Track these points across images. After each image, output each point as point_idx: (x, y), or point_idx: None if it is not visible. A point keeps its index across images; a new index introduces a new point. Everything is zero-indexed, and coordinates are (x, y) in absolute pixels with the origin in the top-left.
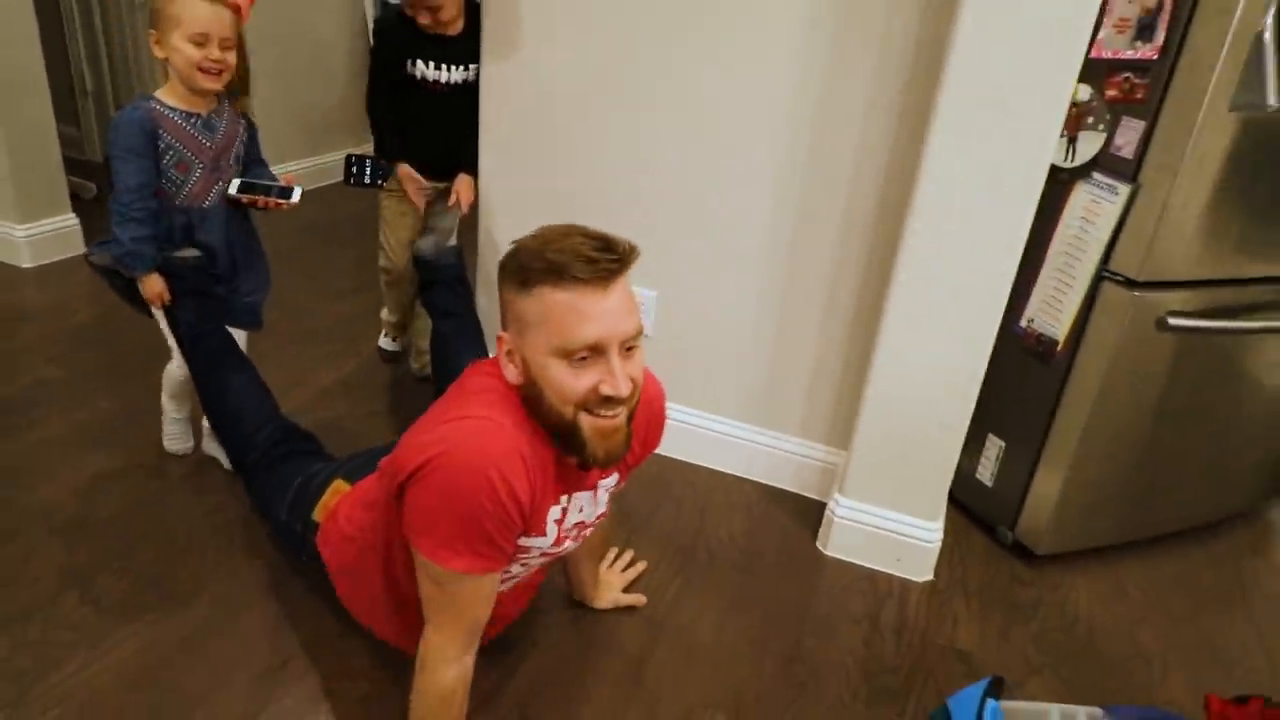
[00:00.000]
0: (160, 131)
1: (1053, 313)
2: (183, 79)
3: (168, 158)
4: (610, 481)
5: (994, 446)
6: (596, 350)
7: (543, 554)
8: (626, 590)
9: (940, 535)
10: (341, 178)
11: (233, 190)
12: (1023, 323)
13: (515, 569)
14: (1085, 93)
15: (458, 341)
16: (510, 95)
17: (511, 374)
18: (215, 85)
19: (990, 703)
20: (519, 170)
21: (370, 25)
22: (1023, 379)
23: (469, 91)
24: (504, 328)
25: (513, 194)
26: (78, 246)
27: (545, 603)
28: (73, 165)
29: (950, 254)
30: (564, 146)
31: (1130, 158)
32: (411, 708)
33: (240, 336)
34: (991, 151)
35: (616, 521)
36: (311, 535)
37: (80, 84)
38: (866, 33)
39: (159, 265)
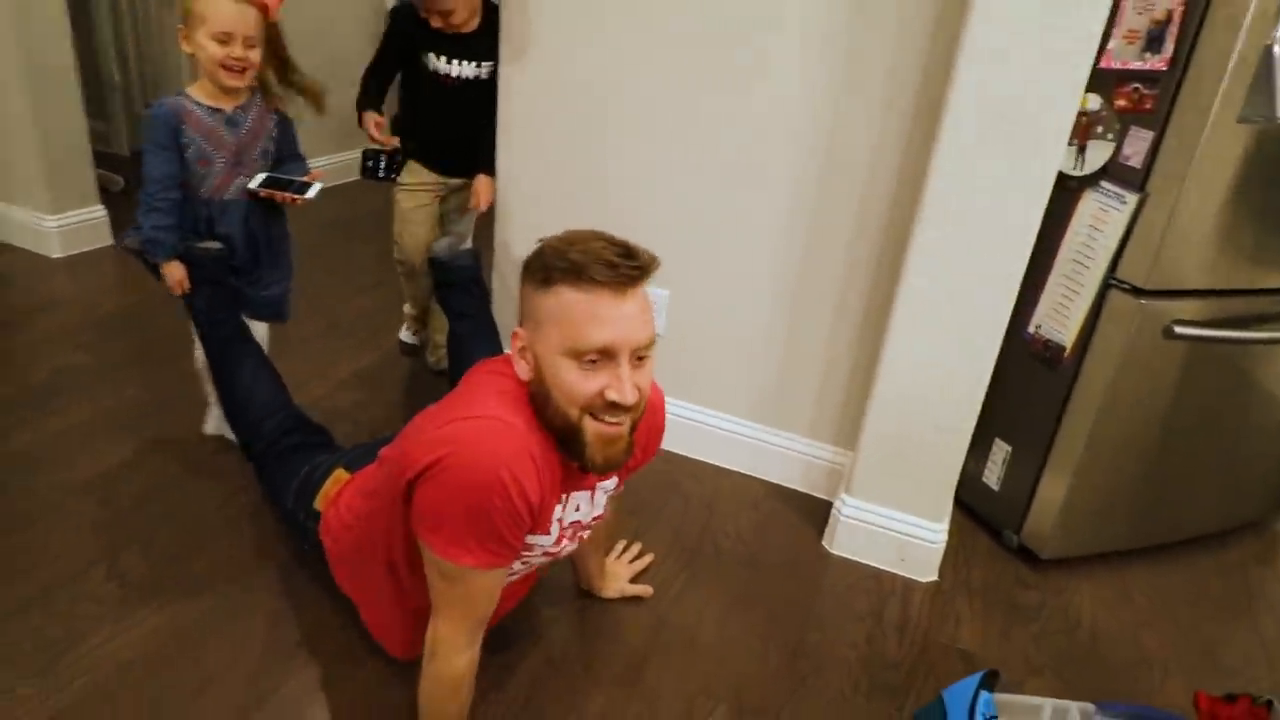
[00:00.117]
0: (184, 126)
1: (1060, 319)
2: (208, 75)
3: (190, 151)
4: (609, 484)
5: (1000, 451)
6: (607, 354)
7: (544, 553)
8: (633, 582)
9: (945, 536)
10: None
11: (253, 185)
12: (1030, 328)
13: (516, 566)
14: (1095, 102)
15: (473, 342)
16: (528, 99)
17: (522, 370)
18: (238, 83)
19: (983, 694)
20: (536, 173)
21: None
22: (1030, 384)
23: (482, 88)
24: (520, 323)
25: (530, 196)
26: (105, 238)
27: (553, 593)
28: (101, 158)
29: (958, 259)
30: (580, 149)
31: (1138, 167)
32: (421, 694)
33: (263, 329)
34: (999, 158)
35: (625, 515)
36: (313, 525)
37: (108, 79)
38: (881, 37)
39: (180, 254)
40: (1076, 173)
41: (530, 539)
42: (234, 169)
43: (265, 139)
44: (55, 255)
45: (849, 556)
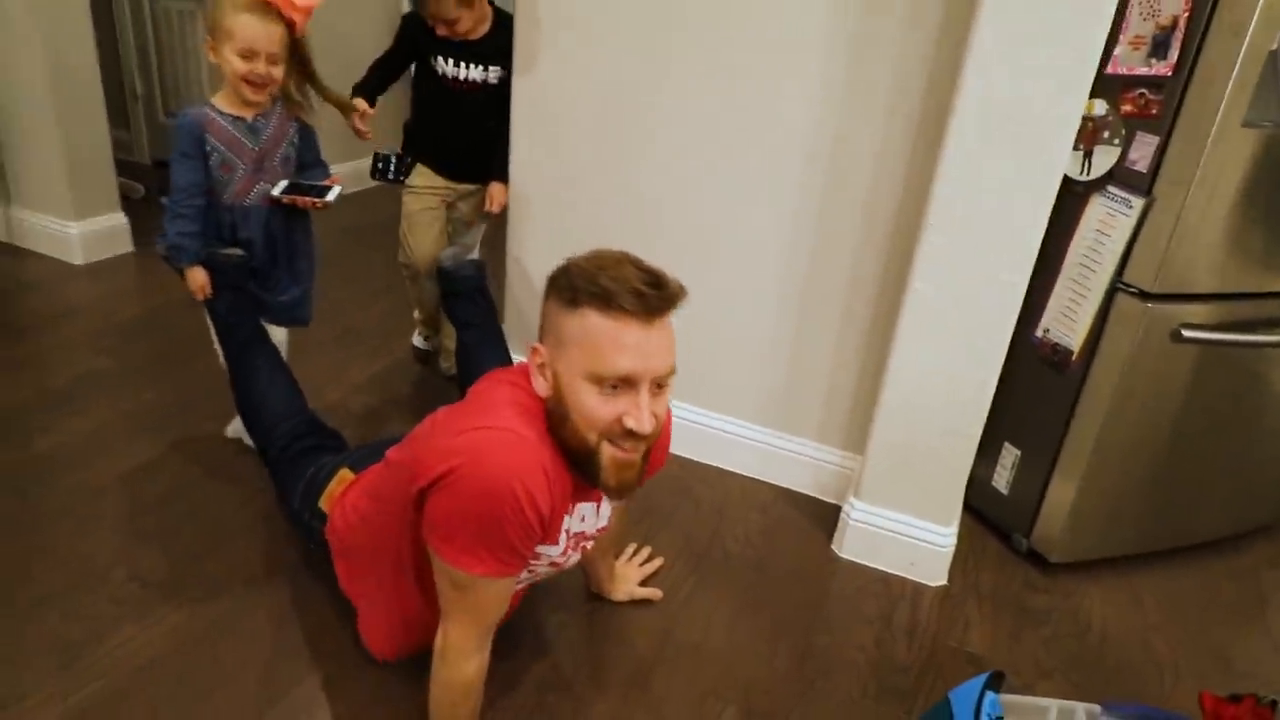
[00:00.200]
0: (207, 135)
1: (1068, 323)
2: (231, 86)
3: (213, 159)
4: None
5: (1010, 455)
6: (628, 382)
7: (551, 563)
8: (643, 585)
9: (954, 540)
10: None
11: (276, 192)
12: (1038, 332)
13: (522, 575)
14: (1101, 107)
15: (480, 351)
16: (539, 107)
17: (540, 386)
18: (259, 97)
19: (989, 695)
20: (548, 181)
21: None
22: (1038, 388)
23: (491, 93)
24: (540, 339)
25: (542, 204)
26: (127, 244)
27: (562, 597)
28: (122, 167)
29: (964, 264)
30: (590, 157)
31: (1145, 171)
32: (432, 698)
33: (282, 334)
34: (1004, 162)
35: (635, 519)
36: (318, 524)
37: (131, 89)
38: (886, 44)
39: (202, 260)
40: (1083, 178)
41: (539, 549)
42: (255, 175)
43: (286, 145)
44: (78, 262)
45: (858, 560)
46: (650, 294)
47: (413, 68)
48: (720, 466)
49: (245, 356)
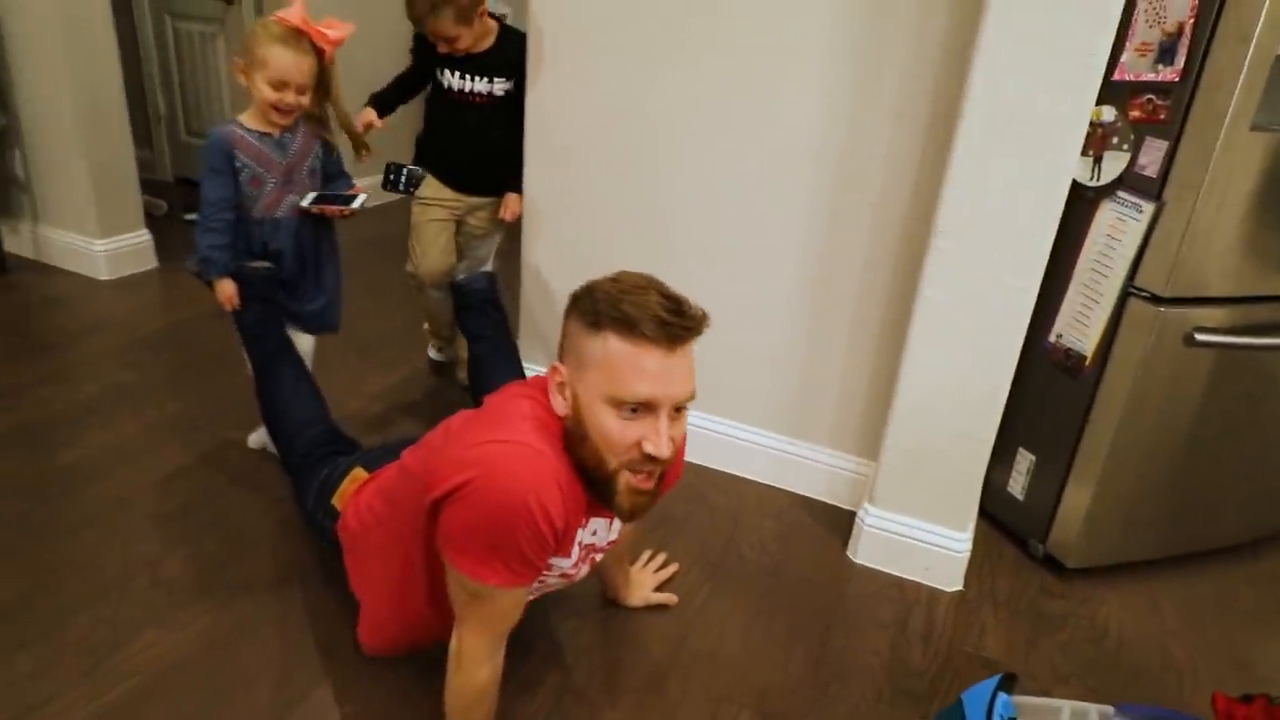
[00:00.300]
0: (236, 152)
1: (1080, 328)
2: (259, 109)
3: (244, 174)
4: None
5: (1025, 460)
6: (648, 407)
7: (562, 574)
8: (658, 591)
9: (969, 545)
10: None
11: (305, 203)
12: (1051, 338)
13: (534, 584)
14: (1109, 114)
15: (491, 363)
16: (552, 119)
17: (559, 405)
18: (286, 121)
19: (1001, 696)
20: (562, 191)
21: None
22: (1052, 394)
23: (496, 105)
24: (560, 358)
25: (556, 214)
26: (151, 260)
27: (578, 602)
28: (146, 185)
29: (973, 268)
30: (603, 167)
31: (1154, 176)
32: (447, 703)
33: (309, 344)
34: (1011, 169)
35: (650, 526)
36: (331, 523)
37: (153, 109)
38: (894, 48)
39: (231, 272)
40: (1093, 183)
41: (552, 560)
42: (284, 188)
43: (312, 159)
44: (103, 278)
45: (873, 566)
46: (673, 322)
47: None
48: (734, 473)
49: (271, 366)
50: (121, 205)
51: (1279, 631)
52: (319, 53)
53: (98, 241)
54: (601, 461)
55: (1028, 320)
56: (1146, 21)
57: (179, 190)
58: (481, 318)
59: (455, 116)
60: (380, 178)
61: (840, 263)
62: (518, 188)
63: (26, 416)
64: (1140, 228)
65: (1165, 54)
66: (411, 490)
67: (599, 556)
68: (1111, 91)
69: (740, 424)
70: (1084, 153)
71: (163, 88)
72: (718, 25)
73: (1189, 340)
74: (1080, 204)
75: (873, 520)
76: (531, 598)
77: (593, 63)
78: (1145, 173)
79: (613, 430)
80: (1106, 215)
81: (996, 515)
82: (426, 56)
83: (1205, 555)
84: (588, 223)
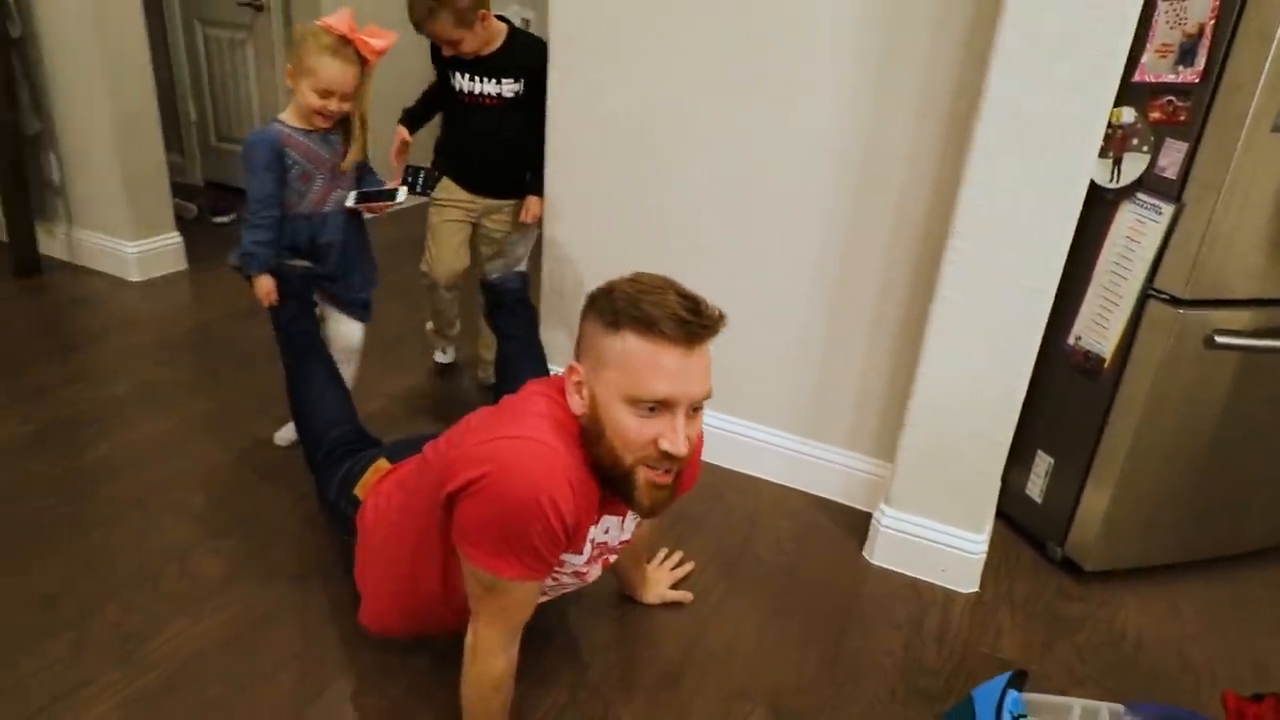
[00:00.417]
0: (287, 149)
1: (1100, 330)
2: (301, 111)
3: (294, 171)
4: None
5: (1043, 463)
6: (665, 405)
7: (574, 572)
8: (674, 589)
9: (985, 547)
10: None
11: (351, 202)
12: (1070, 340)
13: (547, 583)
14: (1129, 115)
15: (519, 363)
16: (573, 123)
17: (576, 404)
18: (326, 125)
19: (1011, 693)
20: (583, 193)
21: None
22: (1071, 396)
23: (507, 107)
24: (577, 358)
25: (577, 215)
26: (181, 262)
27: (594, 600)
28: (176, 188)
29: (990, 269)
30: (624, 167)
31: (1174, 178)
32: (464, 694)
33: (358, 336)
34: (1028, 169)
35: (667, 525)
36: (352, 511)
37: (184, 115)
38: (914, 48)
39: (271, 268)
40: (1113, 185)
41: (564, 556)
42: (331, 183)
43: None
44: (134, 279)
45: (889, 567)
46: (692, 321)
47: None
48: (751, 474)
49: (303, 364)
50: (153, 208)
51: None
52: (362, 61)
53: (129, 244)
54: (618, 459)
55: (1044, 321)
56: (1167, 23)
57: (209, 194)
58: (512, 317)
59: (466, 118)
60: (401, 181)
61: (860, 263)
62: (538, 189)
63: (59, 413)
64: (1160, 229)
65: (1186, 55)
66: (428, 483)
67: (612, 558)
68: (1132, 93)
69: (757, 425)
70: (1103, 154)
71: (193, 93)
72: (738, 26)
73: (1209, 342)
74: (1100, 206)
75: (889, 521)
76: (546, 598)
77: (613, 65)
78: (1165, 174)
79: (630, 428)
80: (1126, 217)
81: (1015, 518)
82: (439, 61)
83: (1227, 560)
84: (608, 224)
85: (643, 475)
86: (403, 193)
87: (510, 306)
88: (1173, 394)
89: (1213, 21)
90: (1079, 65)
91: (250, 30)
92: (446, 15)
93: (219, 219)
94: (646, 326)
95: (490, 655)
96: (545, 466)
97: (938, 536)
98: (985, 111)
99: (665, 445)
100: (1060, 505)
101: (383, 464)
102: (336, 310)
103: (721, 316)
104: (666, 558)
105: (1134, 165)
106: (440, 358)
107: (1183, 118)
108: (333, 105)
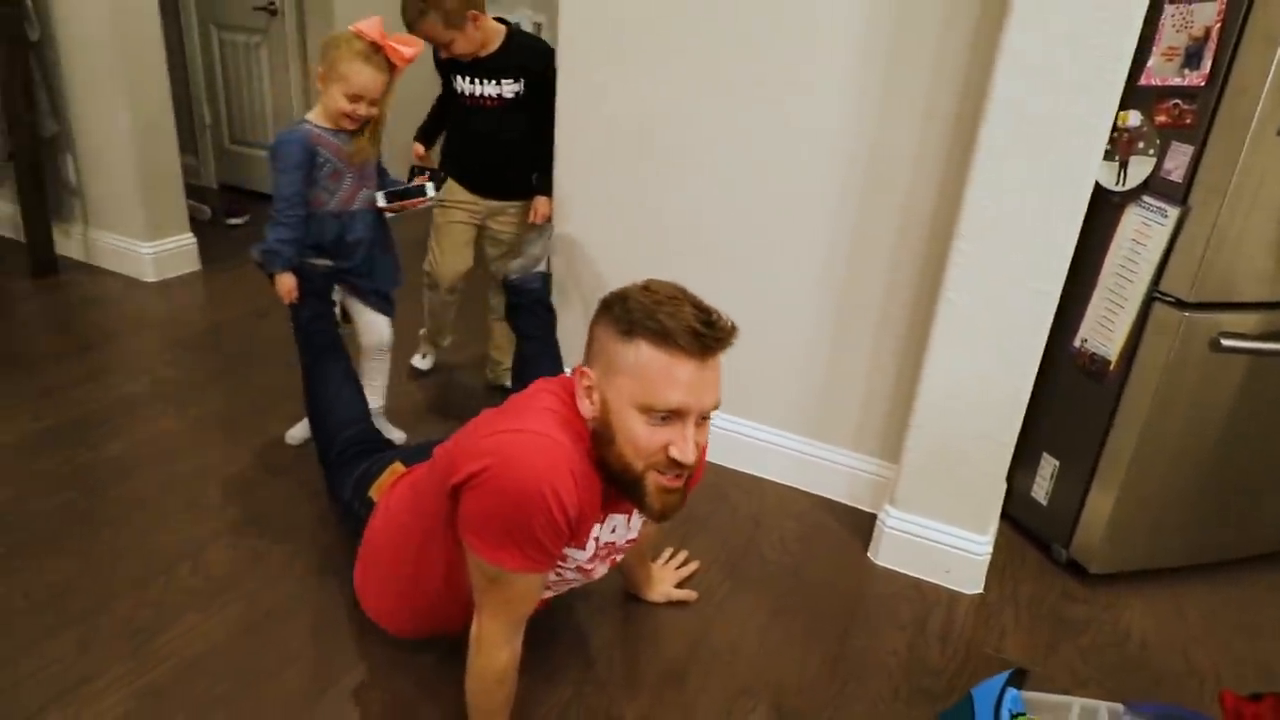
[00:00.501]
0: (318, 148)
1: (1105, 333)
2: (328, 113)
3: (325, 169)
4: None
5: (1048, 465)
6: (677, 414)
7: (578, 568)
8: (679, 588)
9: (990, 548)
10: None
11: (381, 202)
12: (1076, 342)
13: (551, 577)
14: (1135, 118)
15: (536, 364)
16: (581, 125)
17: (586, 408)
18: (353, 127)
19: (1010, 691)
20: (591, 196)
21: None
22: (1076, 398)
23: (508, 107)
24: (588, 362)
25: (585, 216)
26: (195, 263)
27: (598, 598)
28: (191, 190)
29: (995, 272)
30: (631, 169)
31: (1180, 181)
32: (468, 686)
33: (387, 333)
34: (1033, 171)
35: (672, 524)
36: (365, 513)
37: (199, 118)
38: (921, 50)
39: (293, 266)
40: (1119, 188)
41: (567, 551)
42: (359, 180)
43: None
44: (149, 279)
45: (893, 568)
46: (706, 334)
47: None
48: (756, 474)
49: (320, 363)
50: (167, 210)
51: None
52: (391, 67)
53: (144, 244)
54: (629, 465)
55: (1049, 323)
56: (1173, 26)
57: (223, 196)
58: (532, 318)
59: (466, 120)
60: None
61: (866, 264)
62: (546, 190)
63: (74, 410)
64: (1165, 232)
65: (1192, 58)
66: (435, 480)
67: (619, 557)
68: (1138, 96)
69: (763, 425)
70: (1109, 157)
71: (208, 96)
72: (746, 28)
73: (1215, 345)
74: (1105, 208)
75: (893, 522)
76: (551, 593)
77: (621, 67)
78: (1171, 178)
79: (641, 435)
80: (1131, 220)
81: (1020, 520)
82: (441, 65)
83: (1233, 564)
84: (615, 225)
85: (653, 480)
86: (431, 188)
87: (529, 307)
88: (1178, 397)
89: (1219, 25)
90: (1085, 67)
91: (265, 34)
92: (435, 16)
93: (232, 221)
94: (662, 338)
95: (494, 647)
96: (547, 459)
97: (942, 537)
98: (991, 113)
99: (675, 453)
100: (1065, 507)
101: (398, 467)
102: (362, 304)
103: (734, 329)
104: (672, 557)
105: (1140, 168)
106: (419, 363)
107: (1189, 121)
108: (361, 109)
